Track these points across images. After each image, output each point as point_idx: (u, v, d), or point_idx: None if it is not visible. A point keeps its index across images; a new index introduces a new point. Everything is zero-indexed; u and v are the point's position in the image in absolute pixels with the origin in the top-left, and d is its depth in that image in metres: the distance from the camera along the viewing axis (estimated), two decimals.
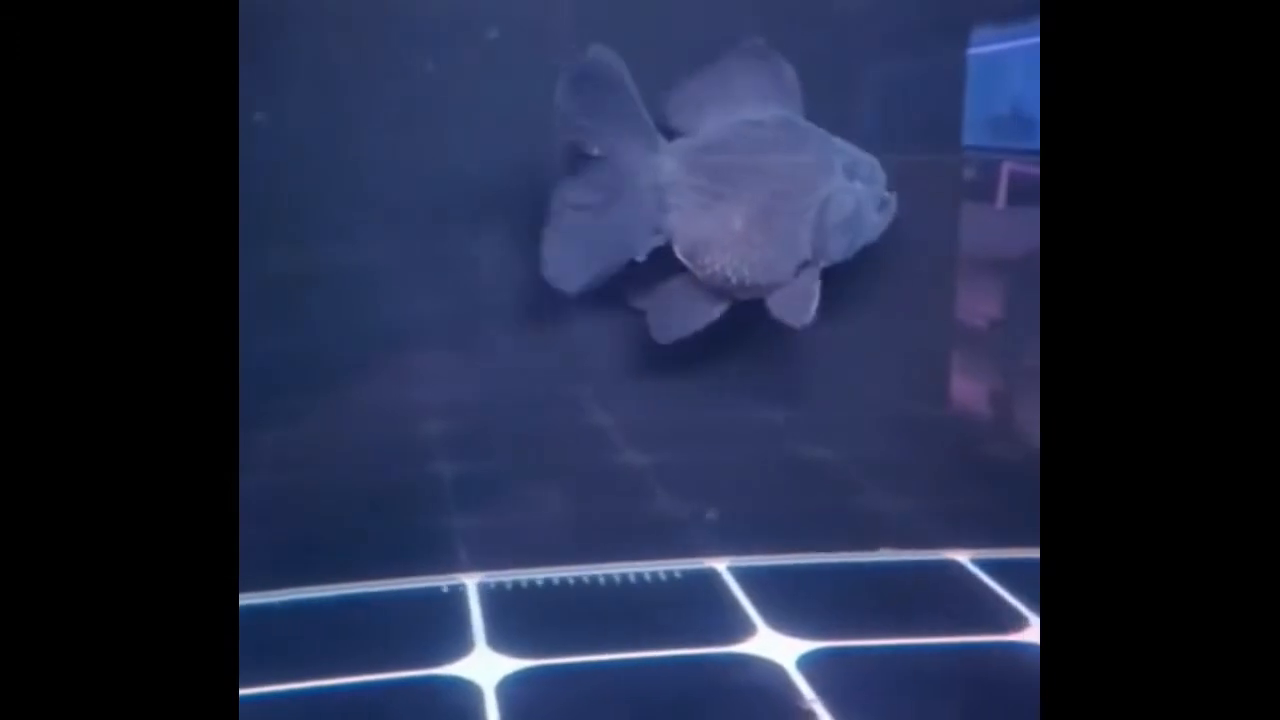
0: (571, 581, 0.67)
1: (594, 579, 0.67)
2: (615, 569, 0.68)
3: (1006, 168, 0.72)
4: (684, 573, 0.68)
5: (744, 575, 0.68)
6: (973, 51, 0.71)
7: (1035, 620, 0.62)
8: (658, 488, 0.72)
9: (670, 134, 0.63)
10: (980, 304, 0.74)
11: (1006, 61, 0.72)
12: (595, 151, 0.61)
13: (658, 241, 0.63)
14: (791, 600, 0.65)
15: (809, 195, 0.63)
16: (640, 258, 0.63)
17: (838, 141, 0.64)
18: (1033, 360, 0.73)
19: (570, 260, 0.62)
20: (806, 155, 0.63)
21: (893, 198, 0.65)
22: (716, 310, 0.64)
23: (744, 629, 0.61)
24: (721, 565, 0.69)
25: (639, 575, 0.68)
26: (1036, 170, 0.71)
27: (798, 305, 0.63)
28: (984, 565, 0.70)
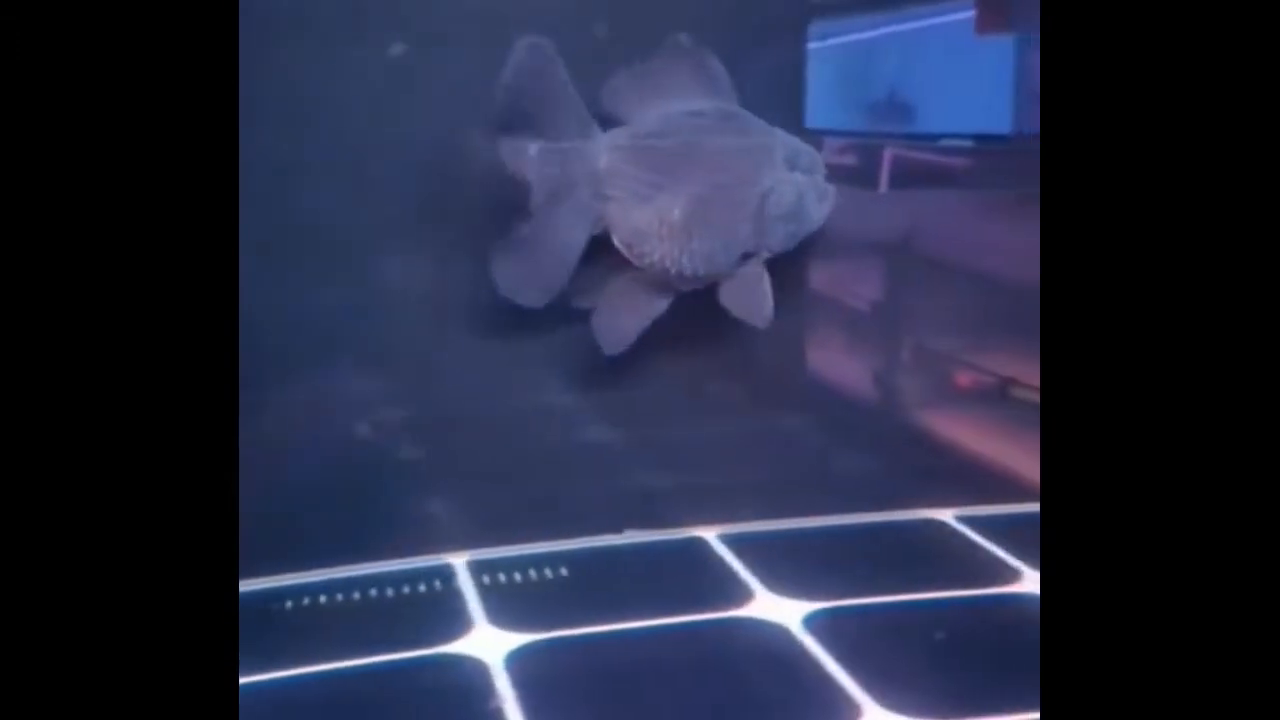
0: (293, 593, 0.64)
1: (313, 587, 0.64)
2: (344, 573, 0.66)
3: (886, 153, 0.73)
4: (418, 570, 0.66)
5: (480, 568, 0.66)
6: (849, 39, 0.71)
7: (762, 594, 0.62)
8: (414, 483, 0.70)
9: (606, 124, 0.62)
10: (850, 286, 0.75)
11: (882, 48, 0.72)
12: (531, 144, 0.60)
13: (595, 231, 0.62)
14: (520, 593, 0.63)
15: (749, 186, 0.63)
16: (577, 257, 0.62)
17: (778, 133, 0.64)
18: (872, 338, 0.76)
19: (524, 274, 0.61)
20: (747, 146, 0.63)
21: (831, 189, 0.65)
22: (661, 304, 0.64)
23: (463, 625, 0.59)
24: (460, 560, 0.67)
25: (374, 577, 0.65)
26: (915, 154, 0.74)
27: (755, 304, 0.64)
28: (728, 540, 0.70)
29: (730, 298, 0.64)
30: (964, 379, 0.78)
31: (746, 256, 0.64)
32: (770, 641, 0.57)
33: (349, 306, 0.65)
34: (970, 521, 0.73)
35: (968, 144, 0.74)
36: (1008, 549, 0.68)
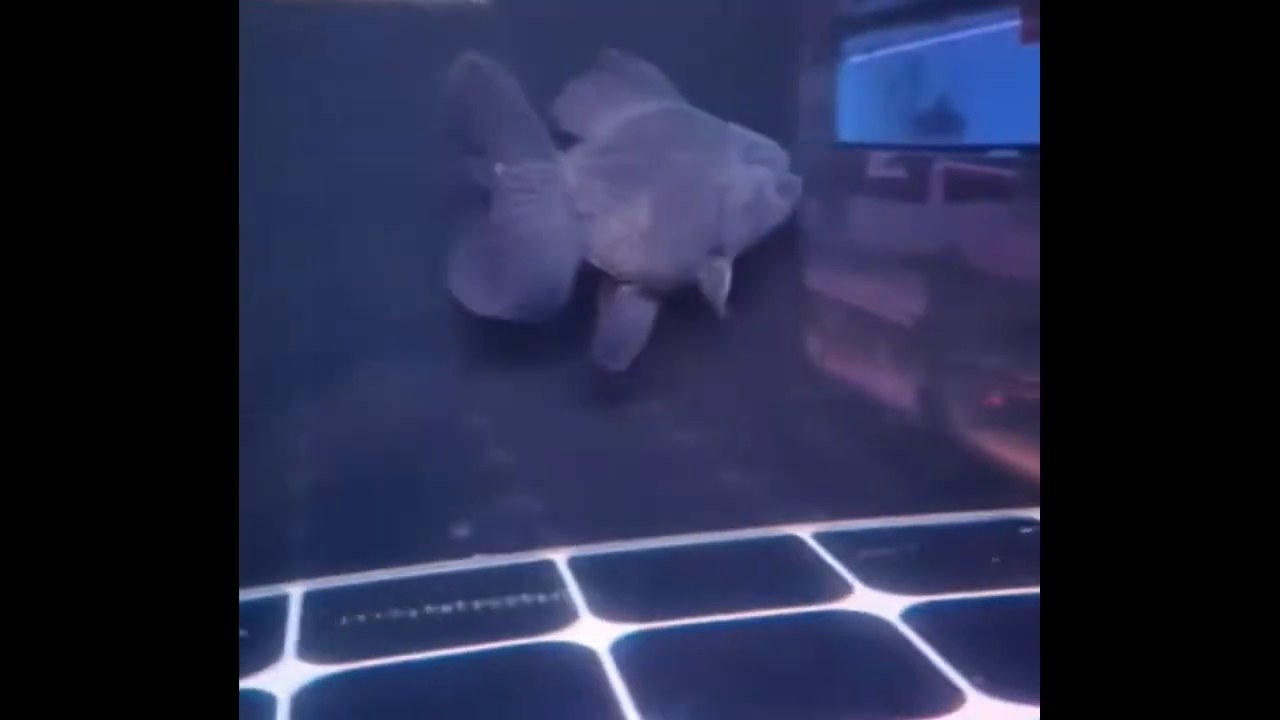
0: None
1: None
2: None
3: (936, 164, 0.72)
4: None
5: (315, 599, 0.65)
6: (895, 50, 0.72)
7: (587, 617, 0.61)
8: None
9: (563, 142, 0.63)
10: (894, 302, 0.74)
11: (928, 59, 0.72)
12: (494, 167, 0.60)
13: (580, 252, 0.62)
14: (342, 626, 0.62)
15: (708, 183, 0.62)
16: (570, 278, 0.62)
17: (734, 128, 0.64)
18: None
19: (487, 281, 0.61)
20: (701, 144, 0.63)
21: (797, 180, 0.65)
22: (650, 311, 0.64)
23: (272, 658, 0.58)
24: (296, 590, 0.66)
25: None
26: (964, 166, 0.73)
27: (713, 297, 0.64)
28: (575, 562, 0.69)
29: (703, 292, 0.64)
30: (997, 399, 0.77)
31: (714, 252, 0.64)
32: (575, 665, 0.56)
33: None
34: (826, 538, 0.71)
35: (1015, 155, 0.72)
36: (851, 566, 0.66)
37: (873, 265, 0.75)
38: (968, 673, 0.53)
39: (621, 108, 0.63)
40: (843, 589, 0.64)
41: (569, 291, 0.62)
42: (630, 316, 0.64)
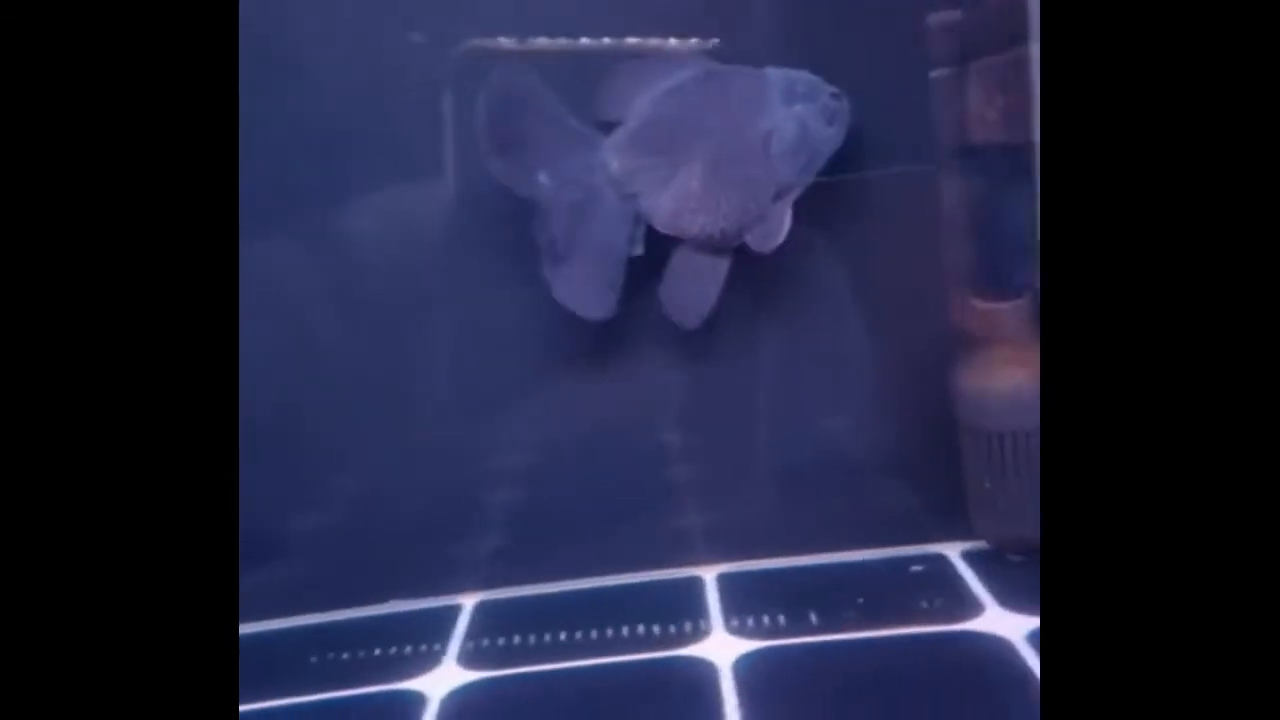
0: None
1: None
2: None
3: None
4: None
5: None
6: None
7: (450, 662, 0.64)
8: None
9: (607, 129, 0.67)
10: None
11: None
12: (541, 176, 0.65)
13: (640, 228, 0.67)
14: None
15: (751, 133, 0.65)
16: (638, 250, 0.67)
17: (768, 72, 0.67)
18: None
19: (585, 288, 0.66)
20: (736, 98, 0.66)
21: (843, 105, 0.66)
22: (723, 266, 0.67)
23: None
24: None
25: None
26: None
27: (769, 232, 0.66)
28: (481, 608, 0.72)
29: (754, 237, 0.66)
30: None
31: (776, 196, 0.66)
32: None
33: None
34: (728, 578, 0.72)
35: None
36: (728, 608, 0.68)
37: None
38: (750, 716, 0.54)
39: (653, 85, 0.66)
40: (702, 633, 0.65)
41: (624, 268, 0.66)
42: (699, 271, 0.67)
